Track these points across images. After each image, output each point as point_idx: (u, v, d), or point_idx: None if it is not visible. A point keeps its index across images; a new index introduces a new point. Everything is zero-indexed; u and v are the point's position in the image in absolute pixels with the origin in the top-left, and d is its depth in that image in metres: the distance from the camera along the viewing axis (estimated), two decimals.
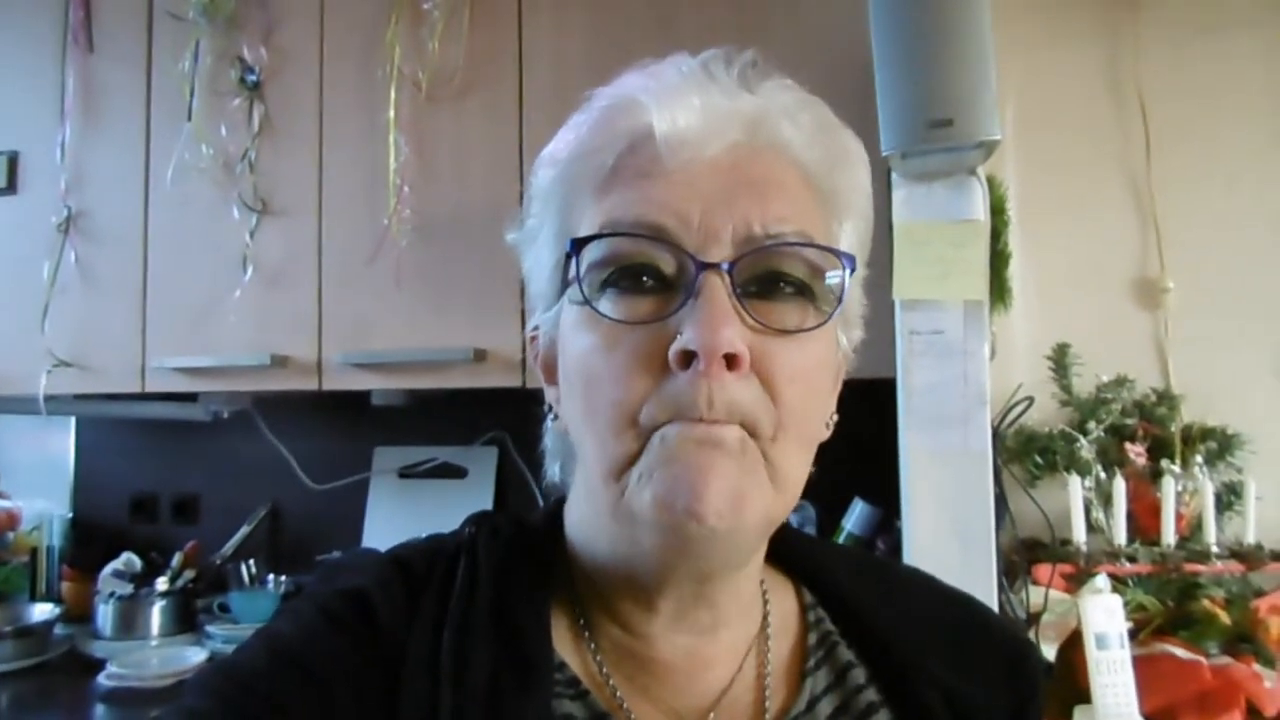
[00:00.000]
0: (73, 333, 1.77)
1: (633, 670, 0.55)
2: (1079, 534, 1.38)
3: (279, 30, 1.69)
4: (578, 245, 0.49)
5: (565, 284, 0.52)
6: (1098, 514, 1.44)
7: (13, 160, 1.86)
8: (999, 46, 1.64)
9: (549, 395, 0.57)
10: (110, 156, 1.79)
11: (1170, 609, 1.33)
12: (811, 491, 1.70)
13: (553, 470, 0.60)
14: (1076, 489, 1.39)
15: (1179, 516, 1.41)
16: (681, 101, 0.49)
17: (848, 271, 0.51)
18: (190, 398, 1.96)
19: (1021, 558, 1.42)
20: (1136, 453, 1.50)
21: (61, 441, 2.39)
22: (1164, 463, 1.45)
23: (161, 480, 2.26)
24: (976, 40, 0.93)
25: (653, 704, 0.54)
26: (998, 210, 1.33)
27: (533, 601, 0.53)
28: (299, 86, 1.67)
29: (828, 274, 0.51)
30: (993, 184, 1.38)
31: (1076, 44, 1.67)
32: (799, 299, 0.50)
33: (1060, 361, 1.56)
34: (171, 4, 1.73)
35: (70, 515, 2.33)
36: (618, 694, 0.53)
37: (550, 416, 0.57)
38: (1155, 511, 1.41)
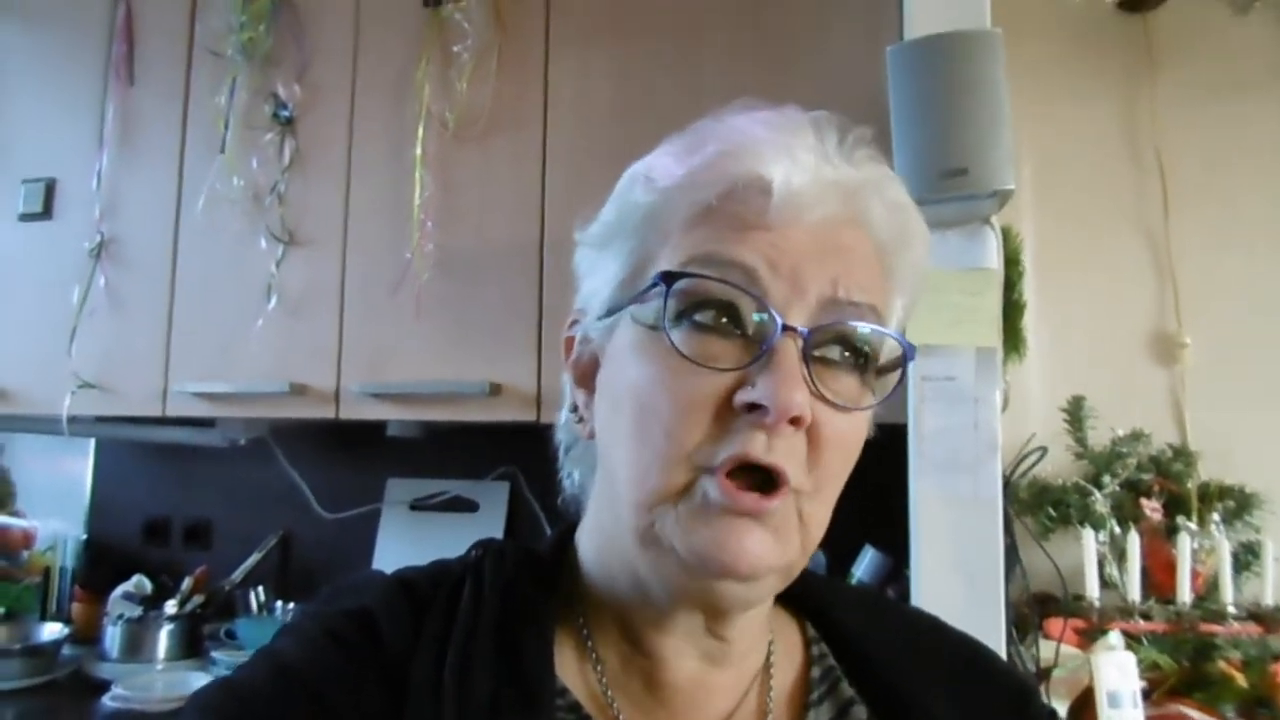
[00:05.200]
0: (98, 355, 1.81)
1: (638, 692, 0.55)
2: (1092, 589, 1.36)
3: (313, 68, 1.74)
4: (669, 278, 0.50)
5: (631, 300, 0.53)
6: (1111, 569, 1.42)
7: (50, 187, 1.91)
8: (1018, 101, 1.66)
9: (576, 397, 0.58)
10: (144, 185, 1.84)
11: (1185, 669, 1.31)
12: (823, 538, 1.69)
13: (573, 476, 0.61)
14: (1090, 543, 1.37)
15: (1195, 575, 1.39)
16: (798, 160, 0.50)
17: (909, 361, 0.54)
18: (208, 423, 1.98)
19: (1033, 611, 1.40)
20: (1152, 508, 1.48)
21: (80, 463, 2.41)
22: (1180, 519, 1.44)
23: (175, 505, 2.28)
24: (992, 91, 0.95)
25: None
26: (1013, 261, 1.34)
27: (536, 626, 0.54)
28: (330, 122, 1.71)
29: (890, 355, 0.53)
30: (1008, 235, 1.39)
31: (1095, 101, 1.69)
32: (857, 372, 0.51)
33: (1075, 414, 1.55)
34: (212, 41, 1.79)
35: (85, 536, 2.35)
36: (620, 716, 0.54)
37: (574, 418, 0.58)
38: (1170, 569, 1.39)
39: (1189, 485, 1.50)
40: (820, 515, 0.51)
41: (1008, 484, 1.13)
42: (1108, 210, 1.67)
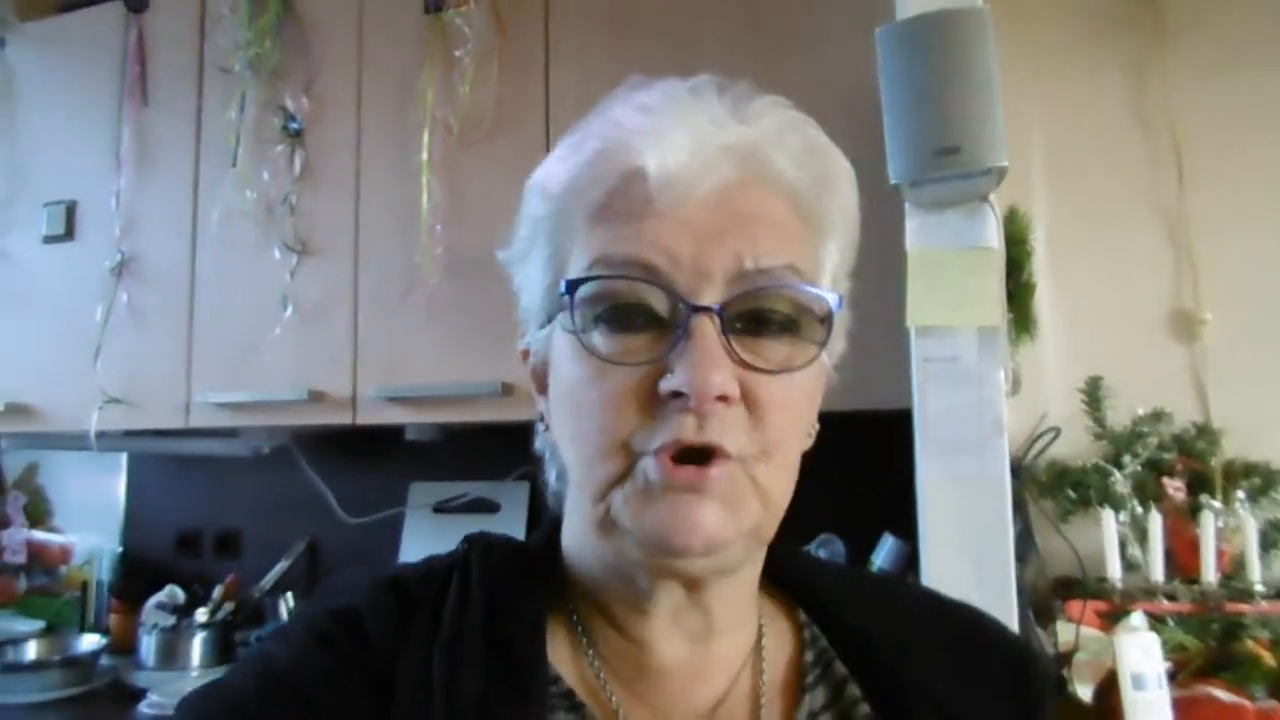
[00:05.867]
0: (123, 370, 1.84)
1: (631, 677, 0.55)
2: (1114, 570, 1.34)
3: (319, 80, 1.76)
4: (571, 286, 0.51)
5: (557, 309, 0.53)
6: (1133, 550, 1.40)
7: (71, 209, 1.95)
8: (1028, 79, 1.66)
9: (540, 405, 0.59)
10: (161, 203, 1.87)
11: (1212, 650, 1.29)
12: (841, 526, 1.68)
13: (550, 477, 0.61)
14: (1110, 523, 1.35)
15: (1220, 554, 1.36)
16: (671, 141, 0.50)
17: (835, 309, 0.53)
18: (232, 434, 2.02)
19: (1055, 594, 1.39)
20: (1175, 488, 1.46)
21: (113, 479, 2.46)
22: (1203, 498, 1.41)
23: (206, 516, 2.32)
24: (982, 68, 0.94)
25: (650, 711, 0.54)
26: (1019, 240, 1.33)
27: (527, 616, 0.54)
28: (337, 132, 1.74)
29: (815, 310, 0.52)
30: (1015, 215, 1.38)
31: (1105, 77, 1.67)
32: (787, 335, 0.51)
33: (1093, 394, 1.53)
34: (221, 59, 1.82)
35: (120, 550, 2.40)
36: (614, 701, 0.54)
37: (542, 427, 0.59)
38: (1194, 548, 1.37)
39: (1213, 463, 1.47)
40: (777, 477, 0.51)
41: (1021, 466, 1.12)
42: (1122, 188, 1.65)
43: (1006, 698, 0.58)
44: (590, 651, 0.56)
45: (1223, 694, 1.22)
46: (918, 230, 1.02)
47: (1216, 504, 1.41)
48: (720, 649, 0.56)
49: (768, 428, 0.50)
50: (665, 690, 0.55)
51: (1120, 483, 1.43)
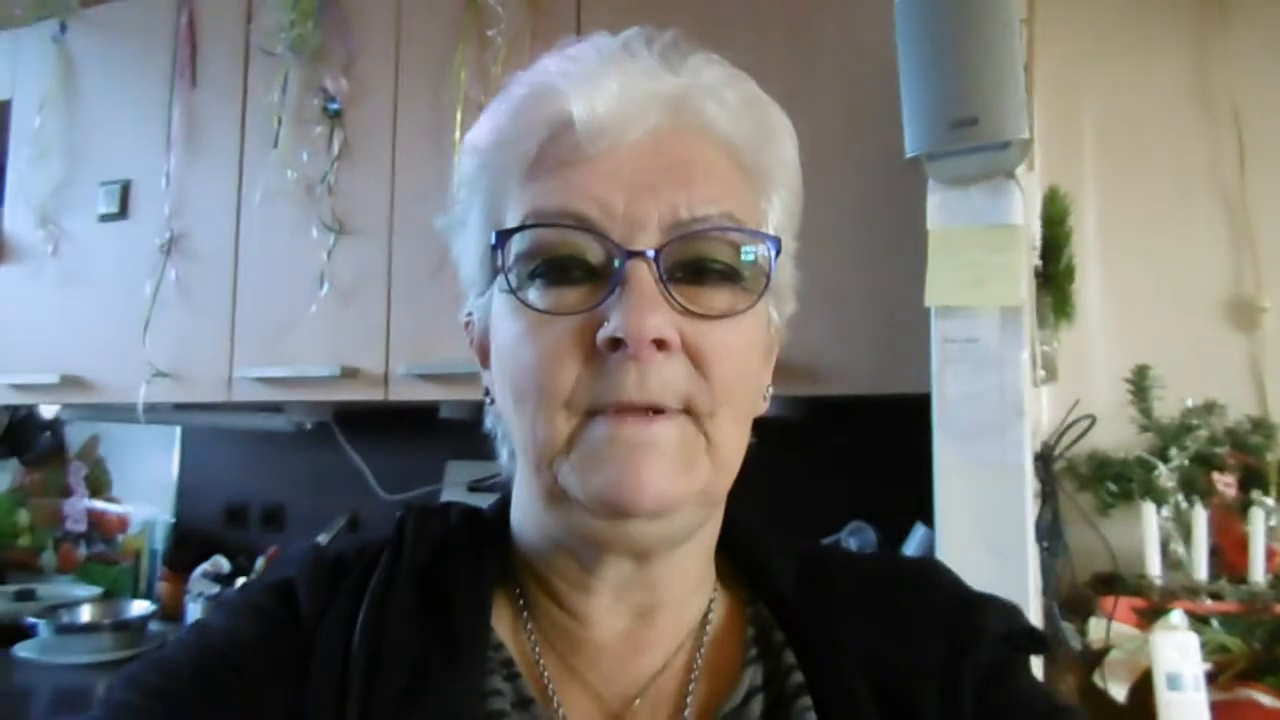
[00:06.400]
0: (170, 345, 1.90)
1: (566, 652, 0.54)
2: (1153, 566, 1.29)
3: (358, 61, 1.78)
4: (503, 237, 0.50)
5: (495, 272, 0.52)
6: (1177, 547, 1.34)
7: (125, 188, 2.02)
8: (1078, 54, 1.60)
9: (484, 379, 0.57)
10: (208, 182, 1.92)
11: (1257, 652, 1.22)
12: (875, 515, 1.64)
13: (502, 454, 0.60)
14: (1151, 518, 1.29)
15: (1271, 554, 1.30)
16: (599, 86, 0.49)
17: (774, 253, 0.51)
18: (276, 409, 2.06)
19: (1093, 590, 1.33)
20: (1225, 483, 1.39)
21: (168, 452, 2.55)
22: (1255, 494, 1.34)
23: (253, 490, 2.38)
24: (1002, 37, 0.90)
25: (582, 687, 0.54)
26: (1058, 221, 1.28)
27: (471, 581, 0.54)
28: (375, 113, 1.76)
29: (755, 256, 0.51)
30: (1055, 194, 1.33)
31: (1163, 53, 1.59)
32: (727, 282, 0.50)
33: (1140, 384, 1.47)
34: (264, 40, 1.86)
35: (172, 521, 2.48)
36: (546, 676, 0.53)
37: (489, 401, 0.57)
38: (1243, 547, 1.30)
39: (1269, 459, 1.40)
40: (729, 433, 0.50)
41: (1051, 455, 1.07)
42: (1179, 168, 1.57)
43: (939, 638, 0.54)
44: (529, 625, 0.55)
45: (1266, 698, 1.16)
46: (939, 207, 0.99)
47: (1270, 501, 1.34)
48: (664, 623, 0.55)
49: (713, 379, 0.48)
50: (601, 665, 0.54)
51: (1165, 476, 1.37)
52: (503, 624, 0.55)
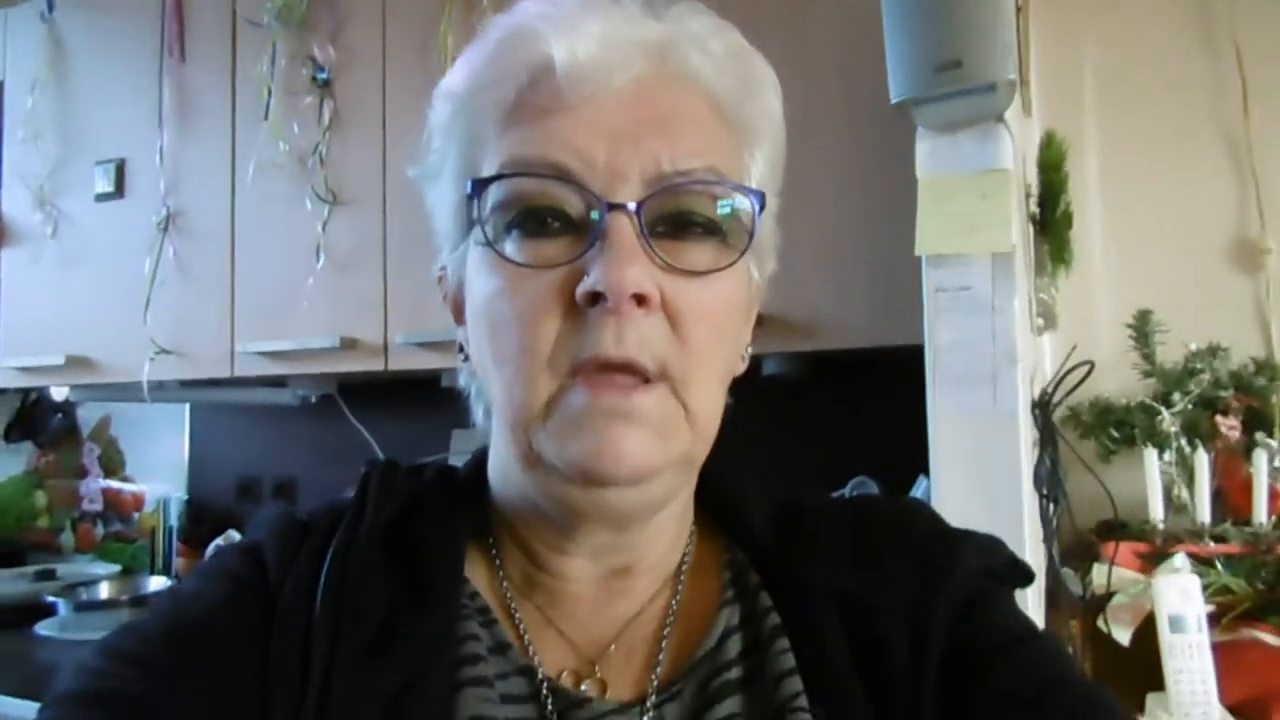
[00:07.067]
0: (171, 322, 1.91)
1: (543, 603, 0.55)
2: (1156, 511, 1.28)
3: (345, 29, 1.77)
4: (479, 186, 0.48)
5: (470, 224, 0.50)
6: (1180, 491, 1.33)
7: (120, 167, 2.01)
8: None
9: (459, 335, 0.57)
10: (201, 158, 1.92)
11: (1261, 593, 1.22)
12: (877, 469, 1.64)
13: (477, 412, 0.59)
14: (1153, 462, 1.29)
15: (1275, 494, 1.29)
16: (581, 30, 0.47)
17: (757, 209, 0.50)
18: (280, 383, 2.07)
19: (1097, 537, 1.33)
20: (1229, 426, 1.38)
21: (178, 429, 2.57)
22: (1258, 436, 1.33)
23: (264, 464, 2.41)
24: None
25: (558, 634, 0.54)
26: (1054, 166, 1.25)
27: (443, 534, 0.54)
28: (364, 82, 1.74)
29: (738, 211, 0.49)
30: (1052, 139, 1.30)
31: None
32: (709, 238, 0.49)
33: (1142, 329, 1.45)
34: (251, 11, 1.84)
35: (186, 498, 2.51)
36: (521, 625, 0.54)
37: (462, 357, 0.56)
38: (1246, 489, 1.29)
39: (1274, 400, 1.39)
40: (705, 398, 0.49)
41: (1049, 403, 1.07)
42: (1182, 110, 1.54)
43: (911, 575, 0.54)
44: (504, 578, 0.55)
45: (1269, 638, 1.16)
46: (928, 155, 0.97)
47: (1274, 443, 1.33)
48: (640, 574, 0.55)
49: (690, 340, 0.47)
50: (577, 614, 0.54)
51: (1167, 421, 1.35)
52: (478, 575, 0.55)
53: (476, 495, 0.57)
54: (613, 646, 0.54)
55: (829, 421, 1.69)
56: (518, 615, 0.54)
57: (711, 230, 0.49)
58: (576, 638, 0.54)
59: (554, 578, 0.54)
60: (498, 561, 0.56)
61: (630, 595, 0.55)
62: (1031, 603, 1.01)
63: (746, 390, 0.57)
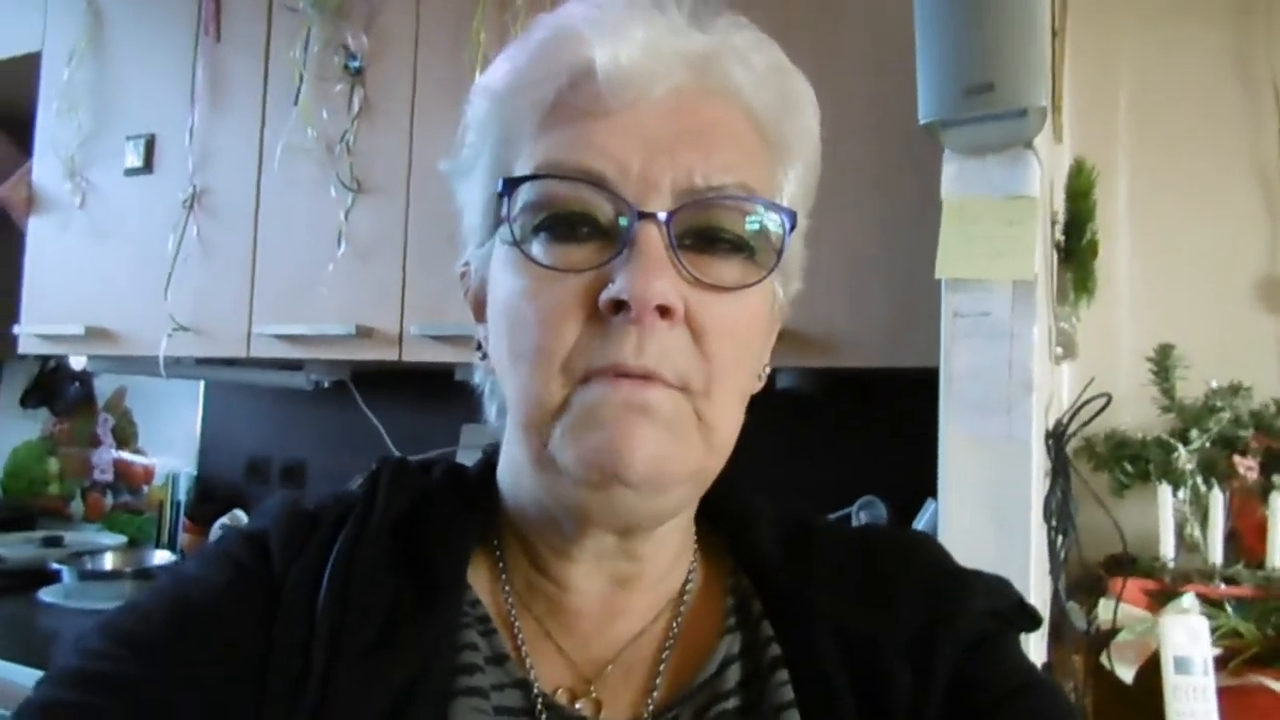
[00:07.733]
0: (191, 300, 1.92)
1: (543, 614, 0.54)
2: (1167, 549, 1.26)
3: (379, 18, 1.77)
4: (511, 185, 0.48)
5: (498, 222, 0.50)
6: (1193, 530, 1.31)
7: (150, 143, 2.03)
8: (1114, 24, 1.55)
9: (478, 333, 0.56)
10: (230, 138, 1.93)
11: (1271, 638, 1.20)
12: (887, 489, 1.63)
13: (491, 411, 0.59)
14: (1166, 499, 1.27)
15: None
16: (625, 35, 0.47)
17: (788, 227, 0.50)
18: (295, 366, 2.08)
19: (1106, 571, 1.32)
20: (1247, 466, 1.36)
21: (192, 405, 2.59)
22: (1275, 478, 1.31)
23: (275, 445, 2.42)
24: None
25: (556, 649, 0.53)
26: (1082, 194, 1.24)
27: (449, 536, 0.53)
28: (395, 72, 1.74)
29: (767, 229, 0.49)
30: (1081, 167, 1.29)
31: (1201, 23, 1.54)
32: (737, 254, 0.49)
33: (1162, 363, 1.43)
34: None
35: (195, 474, 2.53)
36: (520, 636, 0.53)
37: (480, 355, 0.56)
38: (1262, 532, 1.28)
39: None
40: (723, 413, 0.49)
41: (1064, 433, 1.05)
42: (1216, 143, 1.52)
43: (916, 611, 0.53)
44: (507, 585, 0.55)
45: (1277, 685, 1.14)
46: (955, 177, 0.96)
47: None
48: (643, 591, 0.55)
49: (712, 356, 0.47)
50: (577, 630, 0.54)
51: (1184, 458, 1.34)
52: (480, 581, 0.55)
53: (485, 497, 0.57)
54: (610, 666, 0.53)
55: (840, 439, 1.68)
56: (517, 626, 0.54)
57: (740, 246, 0.49)
58: (575, 654, 0.53)
59: (557, 587, 0.54)
60: (501, 565, 0.56)
61: (631, 615, 0.54)
62: (1035, 636, 1.00)
63: (759, 403, 0.56)
